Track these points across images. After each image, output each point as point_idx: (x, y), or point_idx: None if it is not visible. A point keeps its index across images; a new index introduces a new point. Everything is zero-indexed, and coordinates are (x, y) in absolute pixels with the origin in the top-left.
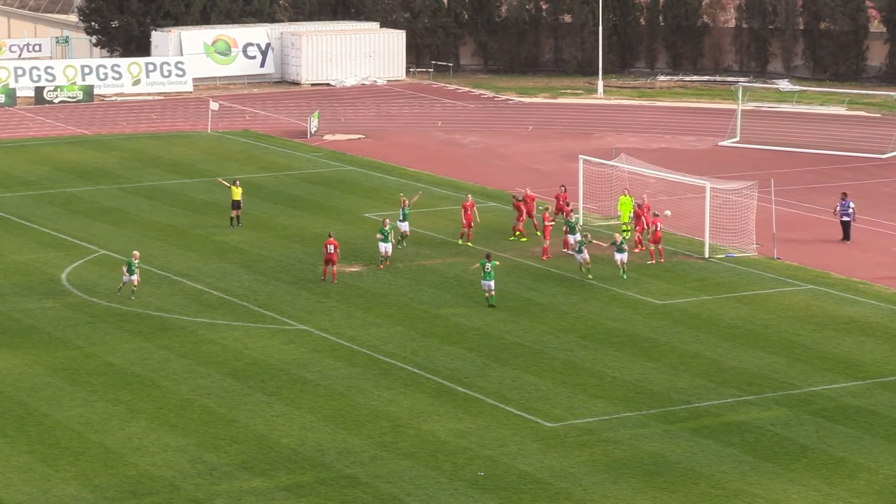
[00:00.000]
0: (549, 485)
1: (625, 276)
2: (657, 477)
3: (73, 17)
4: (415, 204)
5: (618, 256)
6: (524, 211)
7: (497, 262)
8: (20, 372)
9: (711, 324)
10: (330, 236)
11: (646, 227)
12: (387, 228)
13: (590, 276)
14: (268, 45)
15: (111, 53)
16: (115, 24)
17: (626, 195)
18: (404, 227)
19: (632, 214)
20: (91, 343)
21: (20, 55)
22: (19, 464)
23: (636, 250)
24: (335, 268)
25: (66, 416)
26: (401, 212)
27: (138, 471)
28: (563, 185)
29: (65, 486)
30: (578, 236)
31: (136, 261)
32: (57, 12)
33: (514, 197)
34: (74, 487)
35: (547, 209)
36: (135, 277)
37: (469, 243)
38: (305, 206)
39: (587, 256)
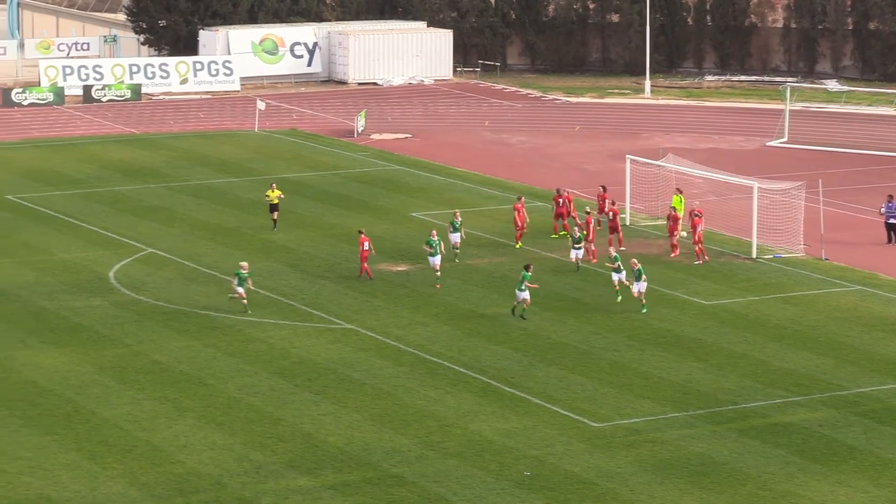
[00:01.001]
0: (595, 485)
1: (644, 310)
2: (704, 478)
3: (122, 16)
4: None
5: (635, 287)
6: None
7: (530, 274)
8: (68, 370)
9: (759, 324)
10: (361, 233)
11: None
12: (434, 240)
13: (619, 299)
14: (315, 44)
15: (159, 52)
16: (162, 23)
17: (678, 194)
18: (455, 238)
19: (670, 217)
20: (139, 341)
21: (69, 54)
22: (67, 461)
23: (672, 255)
24: (366, 264)
25: (114, 413)
26: (451, 224)
27: (185, 469)
28: (602, 186)
29: (112, 484)
30: (581, 252)
31: (245, 271)
32: (105, 11)
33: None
34: (122, 485)
35: (588, 211)
36: (242, 290)
37: (519, 244)
38: (352, 205)
39: (623, 277)
